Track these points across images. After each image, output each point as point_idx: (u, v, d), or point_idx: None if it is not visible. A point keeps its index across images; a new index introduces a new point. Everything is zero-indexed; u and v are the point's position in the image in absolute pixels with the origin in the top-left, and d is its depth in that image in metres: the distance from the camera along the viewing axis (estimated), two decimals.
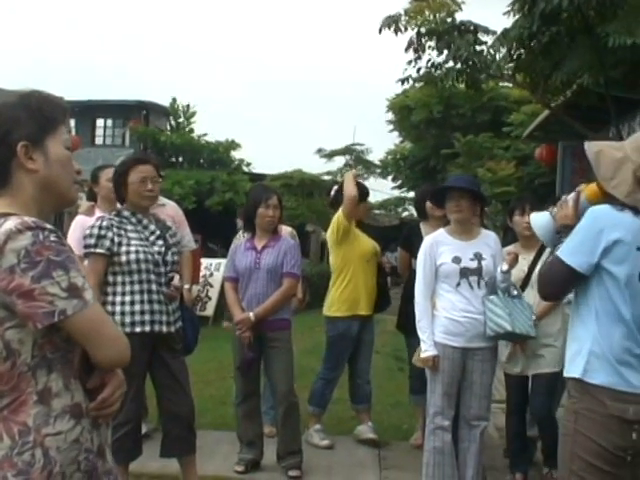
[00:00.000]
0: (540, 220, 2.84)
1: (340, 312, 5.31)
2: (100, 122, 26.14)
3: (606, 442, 2.36)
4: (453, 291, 4.11)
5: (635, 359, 2.39)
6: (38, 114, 1.75)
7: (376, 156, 26.06)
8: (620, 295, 2.37)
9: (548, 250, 2.76)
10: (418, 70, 8.84)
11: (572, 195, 2.68)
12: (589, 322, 2.44)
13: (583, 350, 2.44)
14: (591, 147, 2.52)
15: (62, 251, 1.65)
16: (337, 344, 5.35)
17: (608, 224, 2.38)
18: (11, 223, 1.62)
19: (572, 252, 2.44)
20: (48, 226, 1.66)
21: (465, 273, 4.10)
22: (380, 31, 8.62)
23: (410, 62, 8.79)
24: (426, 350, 4.08)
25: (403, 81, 9.25)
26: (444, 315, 4.10)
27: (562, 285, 2.57)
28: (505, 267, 4.09)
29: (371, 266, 5.38)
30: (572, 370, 2.47)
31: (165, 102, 24.25)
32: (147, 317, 3.75)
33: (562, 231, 2.61)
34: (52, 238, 1.64)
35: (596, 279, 2.42)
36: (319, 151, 25.38)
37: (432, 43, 8.59)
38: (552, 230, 2.74)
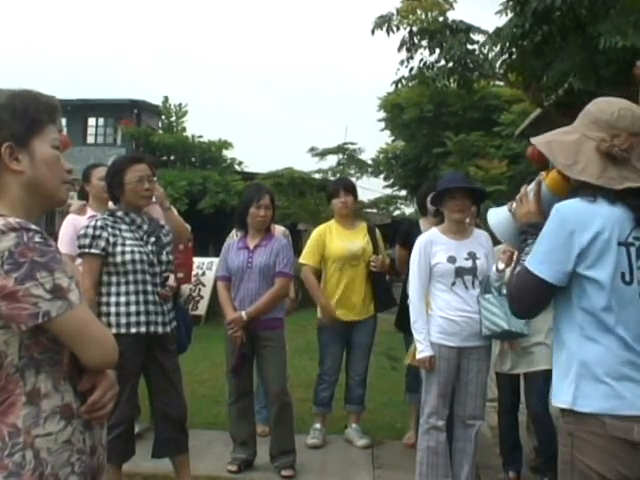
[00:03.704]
0: (496, 217, 2.44)
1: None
2: (92, 121, 26.04)
3: (608, 472, 1.96)
4: (448, 290, 4.11)
5: (636, 372, 2.00)
6: (23, 114, 1.73)
7: (368, 155, 26.01)
8: (605, 302, 1.99)
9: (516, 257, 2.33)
10: (410, 70, 8.84)
11: (532, 186, 2.29)
12: (572, 338, 2.06)
13: (570, 374, 2.04)
14: (539, 141, 2.18)
15: (47, 252, 1.63)
16: (318, 335, 5.42)
17: (579, 223, 2.01)
18: None
19: (541, 260, 2.04)
20: (33, 227, 1.64)
21: (460, 273, 4.10)
22: (373, 32, 8.62)
23: (402, 62, 8.80)
24: (422, 351, 4.07)
25: (397, 83, 9.25)
26: (439, 315, 4.09)
27: (534, 300, 2.11)
28: (501, 266, 4.07)
29: (350, 270, 5.26)
30: (559, 398, 2.08)
31: (157, 101, 24.21)
32: (142, 318, 3.73)
33: (528, 230, 2.21)
34: (36, 239, 1.62)
35: (575, 288, 2.04)
36: (311, 150, 25.30)
37: (424, 42, 8.60)
38: (512, 228, 2.37)
